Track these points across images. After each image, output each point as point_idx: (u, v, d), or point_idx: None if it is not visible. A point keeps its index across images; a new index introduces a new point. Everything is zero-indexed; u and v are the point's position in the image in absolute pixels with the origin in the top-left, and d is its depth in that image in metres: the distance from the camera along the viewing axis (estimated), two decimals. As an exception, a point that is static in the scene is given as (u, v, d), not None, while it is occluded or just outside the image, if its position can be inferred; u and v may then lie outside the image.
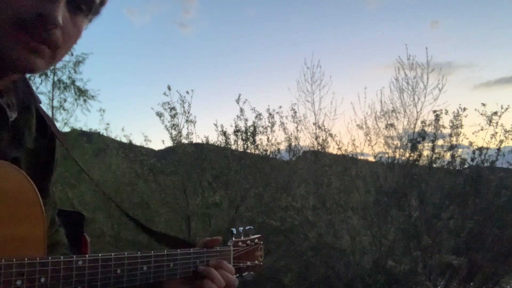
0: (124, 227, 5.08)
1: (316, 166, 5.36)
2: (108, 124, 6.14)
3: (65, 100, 8.30)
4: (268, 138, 5.53)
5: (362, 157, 5.45)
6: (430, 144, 4.95)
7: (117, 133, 7.59)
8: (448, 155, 4.92)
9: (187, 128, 5.40)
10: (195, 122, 5.43)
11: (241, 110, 5.43)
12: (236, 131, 5.50)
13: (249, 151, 5.55)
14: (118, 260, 0.78)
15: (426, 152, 4.98)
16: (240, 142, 5.54)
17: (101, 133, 6.62)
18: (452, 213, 4.78)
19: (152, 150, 6.25)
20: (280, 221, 4.72)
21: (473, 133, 4.88)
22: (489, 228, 4.59)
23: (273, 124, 5.51)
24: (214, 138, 5.78)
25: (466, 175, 4.77)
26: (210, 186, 5.29)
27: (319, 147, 5.56)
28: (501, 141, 4.76)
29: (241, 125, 5.48)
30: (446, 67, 11.45)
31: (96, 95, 8.51)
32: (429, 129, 4.96)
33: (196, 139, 5.56)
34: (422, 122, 5.04)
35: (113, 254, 0.77)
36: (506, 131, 4.75)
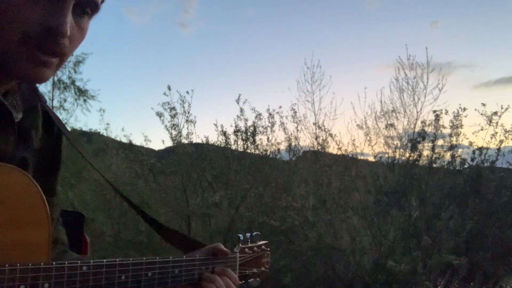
0: (124, 227, 5.09)
1: (316, 166, 5.36)
2: (108, 124, 6.14)
3: (65, 100, 8.32)
4: (268, 138, 5.53)
5: (362, 157, 5.46)
6: (430, 144, 4.95)
7: (117, 133, 7.58)
8: (448, 155, 4.93)
9: (187, 128, 5.41)
10: (195, 122, 5.44)
11: (241, 110, 5.43)
12: (236, 131, 5.50)
13: (249, 151, 5.55)
14: (122, 266, 0.77)
15: (426, 152, 4.98)
16: (240, 142, 5.54)
17: (101, 133, 6.62)
18: (452, 213, 4.78)
19: (152, 150, 6.25)
20: (280, 221, 4.72)
21: (473, 133, 4.89)
22: (489, 228, 4.59)
23: (273, 124, 5.51)
24: (214, 138, 5.78)
25: (466, 175, 4.77)
26: (210, 186, 5.29)
27: (319, 147, 5.55)
28: (501, 141, 4.77)
29: (241, 125, 5.49)
30: (446, 67, 11.45)
31: (96, 95, 8.53)
32: (429, 129, 4.96)
33: (196, 139, 5.56)
34: (422, 122, 5.04)
35: (117, 260, 0.77)
36: (506, 131, 4.76)
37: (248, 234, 1.15)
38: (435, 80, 5.16)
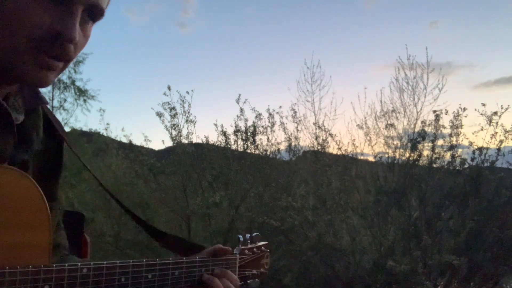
0: (124, 227, 5.09)
1: (316, 166, 5.36)
2: (108, 124, 6.15)
3: (65, 100, 8.32)
4: (268, 138, 5.54)
5: (362, 157, 5.46)
6: (430, 144, 4.95)
7: (117, 133, 7.60)
8: (448, 155, 4.93)
9: (187, 128, 5.41)
10: (195, 122, 5.44)
11: (241, 110, 5.44)
12: (236, 131, 5.50)
13: (249, 151, 5.55)
14: (123, 268, 0.77)
15: (426, 152, 4.98)
16: (240, 142, 5.54)
17: (101, 133, 6.63)
18: (452, 213, 4.78)
19: (152, 150, 6.25)
20: (280, 221, 4.72)
21: (473, 133, 4.88)
22: (489, 228, 4.59)
23: (273, 124, 5.51)
24: (214, 138, 5.79)
25: (466, 175, 4.77)
26: (210, 186, 5.29)
27: (319, 147, 5.55)
28: (501, 141, 4.76)
29: (241, 125, 5.49)
30: (446, 67, 11.46)
31: (96, 95, 8.53)
32: (429, 129, 4.96)
33: (196, 139, 5.57)
34: (422, 122, 5.04)
35: (118, 262, 0.77)
36: (506, 131, 4.75)
37: (248, 235, 1.15)
38: (435, 80, 5.17)
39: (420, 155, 4.95)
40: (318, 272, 4.83)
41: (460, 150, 4.91)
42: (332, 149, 5.46)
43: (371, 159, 5.46)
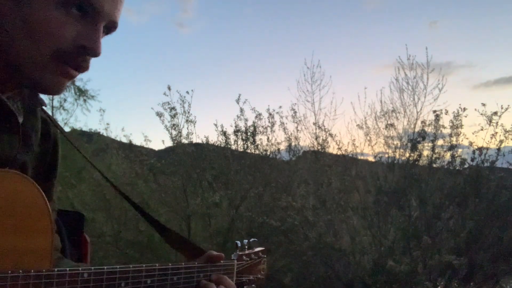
0: (124, 227, 5.09)
1: (316, 166, 5.36)
2: (108, 124, 6.15)
3: (65, 100, 8.29)
4: (268, 138, 5.53)
5: (362, 157, 5.45)
6: (430, 144, 4.95)
7: (117, 133, 7.55)
8: (448, 155, 4.93)
9: (187, 128, 5.41)
10: (195, 122, 5.44)
11: (241, 110, 5.43)
12: (236, 131, 5.50)
13: (249, 151, 5.55)
14: (123, 273, 0.78)
15: (426, 152, 4.98)
16: (240, 142, 5.54)
17: (101, 133, 6.62)
18: (452, 213, 4.78)
19: (152, 150, 6.25)
20: (280, 221, 4.72)
21: (473, 133, 4.88)
22: (489, 228, 4.59)
23: (273, 124, 5.51)
24: (214, 138, 5.78)
25: (466, 175, 4.77)
26: (210, 186, 5.29)
27: (319, 147, 5.55)
28: (501, 141, 4.76)
29: (241, 125, 5.49)
30: (446, 67, 11.45)
31: (96, 95, 8.51)
32: (429, 129, 4.96)
33: (196, 139, 5.57)
34: (422, 122, 5.04)
35: (118, 267, 0.78)
36: (506, 131, 4.75)
37: (245, 241, 1.16)
38: (435, 80, 5.17)
39: (420, 155, 4.95)
40: (318, 272, 4.83)
41: (460, 150, 4.91)
42: (332, 149, 5.47)
43: (371, 159, 5.47)
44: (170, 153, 5.64)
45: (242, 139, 5.50)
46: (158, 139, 9.54)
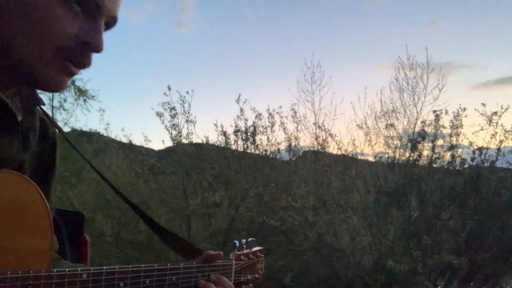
0: (124, 227, 5.09)
1: (316, 166, 5.36)
2: (108, 124, 6.15)
3: (65, 100, 8.27)
4: (268, 138, 5.53)
5: (362, 157, 5.45)
6: (430, 144, 4.95)
7: (117, 133, 7.56)
8: (448, 155, 4.93)
9: (187, 128, 5.41)
10: (195, 122, 5.44)
11: (241, 110, 5.43)
12: (236, 131, 5.50)
13: (249, 151, 5.55)
14: (121, 274, 0.78)
15: (426, 152, 4.98)
16: (240, 142, 5.54)
17: (101, 133, 6.63)
18: (452, 213, 4.78)
19: (152, 150, 6.25)
20: (280, 221, 4.72)
21: (473, 133, 4.88)
22: (489, 228, 4.59)
23: (273, 124, 5.51)
24: (214, 138, 5.79)
25: (466, 175, 4.77)
26: (210, 186, 5.29)
27: (319, 147, 5.55)
28: (501, 141, 4.77)
29: (241, 125, 5.49)
30: (445, 67, 11.44)
31: (96, 95, 8.49)
32: (429, 129, 4.96)
33: (196, 139, 5.57)
34: (422, 122, 5.04)
35: (117, 267, 0.78)
36: (506, 131, 4.76)
37: (243, 240, 1.16)
38: (435, 80, 5.17)
39: (420, 155, 4.95)
40: (318, 272, 4.83)
41: (460, 150, 4.91)
42: (332, 149, 5.47)
43: (371, 159, 5.47)
44: (170, 153, 5.64)
45: (242, 139, 5.50)
46: (158, 139, 9.55)
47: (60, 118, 8.01)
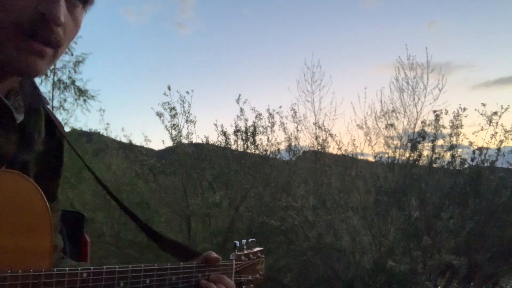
0: (124, 227, 5.09)
1: (316, 166, 5.36)
2: (108, 124, 6.17)
3: (65, 100, 8.29)
4: (268, 138, 5.54)
5: (362, 157, 5.46)
6: (430, 144, 4.95)
7: (117, 133, 7.59)
8: (448, 155, 4.93)
9: (187, 128, 5.41)
10: (195, 122, 5.44)
11: (241, 110, 5.44)
12: (236, 131, 5.50)
13: (249, 151, 5.55)
14: (121, 273, 0.78)
15: (426, 152, 4.98)
16: (240, 142, 5.55)
17: (101, 133, 6.64)
18: (452, 213, 4.78)
19: (152, 150, 6.26)
20: (280, 221, 4.72)
21: (473, 133, 4.89)
22: (489, 228, 4.59)
23: (273, 124, 5.52)
24: (214, 138, 5.79)
25: (466, 175, 4.77)
26: (210, 186, 5.30)
27: (319, 147, 5.55)
28: (501, 141, 4.77)
29: (241, 125, 5.49)
30: (445, 67, 11.45)
31: (96, 95, 8.51)
32: (429, 129, 4.97)
33: (196, 139, 5.57)
34: (422, 122, 5.04)
35: (117, 267, 0.77)
36: (506, 131, 4.76)
37: (244, 241, 1.16)
38: (435, 80, 5.17)
39: (420, 155, 4.95)
40: (318, 272, 4.83)
41: (460, 150, 4.91)
42: (332, 149, 5.47)
43: (371, 159, 5.47)
44: (170, 153, 5.64)
45: (242, 139, 5.50)
46: (158, 139, 9.57)
47: (60, 118, 7.99)
